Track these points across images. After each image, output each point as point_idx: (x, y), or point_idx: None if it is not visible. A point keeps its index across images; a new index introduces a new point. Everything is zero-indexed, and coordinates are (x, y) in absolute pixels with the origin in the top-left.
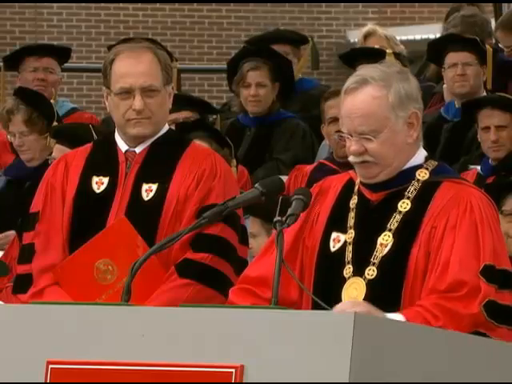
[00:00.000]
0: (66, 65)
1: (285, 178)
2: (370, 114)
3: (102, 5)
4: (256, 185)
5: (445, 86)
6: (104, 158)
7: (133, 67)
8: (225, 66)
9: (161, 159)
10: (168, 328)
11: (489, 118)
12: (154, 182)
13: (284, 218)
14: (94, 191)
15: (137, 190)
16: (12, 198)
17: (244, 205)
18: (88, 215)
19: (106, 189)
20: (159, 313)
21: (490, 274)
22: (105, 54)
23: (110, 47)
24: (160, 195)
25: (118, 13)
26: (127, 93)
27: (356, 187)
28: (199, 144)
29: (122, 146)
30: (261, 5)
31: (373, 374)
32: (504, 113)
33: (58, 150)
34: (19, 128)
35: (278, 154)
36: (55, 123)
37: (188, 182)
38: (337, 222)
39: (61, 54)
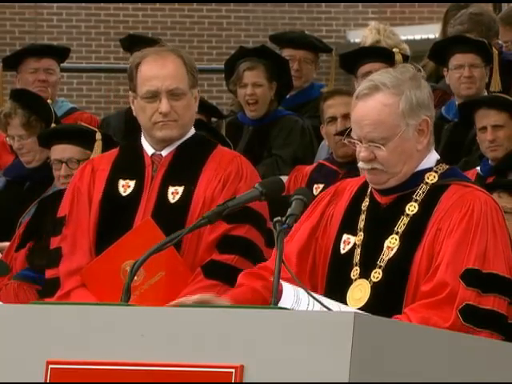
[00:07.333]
0: (66, 65)
1: (284, 178)
2: (380, 121)
3: (102, 5)
4: (256, 185)
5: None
6: (130, 162)
7: (159, 70)
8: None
9: (187, 162)
10: (168, 328)
11: (485, 118)
12: (180, 185)
13: (284, 218)
14: (120, 194)
15: (163, 193)
16: (11, 198)
17: (244, 204)
18: (114, 218)
19: (132, 192)
20: (159, 313)
21: (471, 278)
22: (105, 54)
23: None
24: (186, 197)
25: (118, 13)
26: (154, 96)
27: (369, 190)
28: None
29: (149, 149)
30: (261, 5)
31: (373, 374)
32: (500, 112)
33: (59, 150)
34: (18, 131)
35: (276, 151)
36: (53, 125)
37: (214, 184)
38: (348, 224)
39: (60, 54)
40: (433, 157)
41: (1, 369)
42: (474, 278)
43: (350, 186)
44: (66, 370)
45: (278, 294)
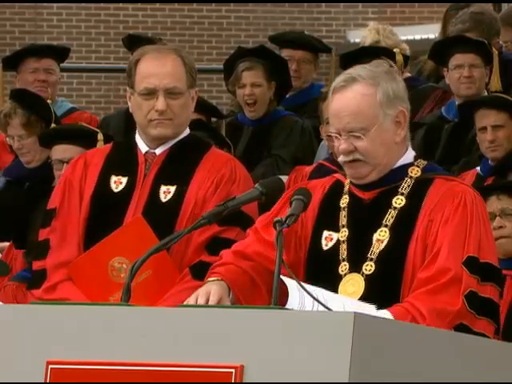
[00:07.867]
0: (65, 65)
1: (285, 178)
2: (359, 111)
3: (102, 5)
4: (256, 185)
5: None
6: (124, 158)
7: (158, 68)
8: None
9: (180, 162)
10: (168, 328)
11: (485, 118)
12: (172, 184)
13: (284, 218)
14: (112, 190)
15: (155, 191)
16: (11, 198)
17: (244, 205)
18: (105, 214)
19: (124, 188)
20: (159, 313)
21: (473, 265)
22: (105, 54)
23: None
24: (178, 197)
25: (118, 13)
26: (151, 93)
27: (346, 187)
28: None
29: (143, 147)
30: (261, 5)
31: (373, 374)
32: (500, 112)
33: (61, 151)
34: (18, 131)
35: (276, 151)
36: (53, 125)
37: (207, 185)
38: (327, 221)
39: (60, 54)
40: (411, 153)
41: (1, 369)
42: (475, 266)
43: (321, 185)
44: (66, 370)
45: (283, 296)
